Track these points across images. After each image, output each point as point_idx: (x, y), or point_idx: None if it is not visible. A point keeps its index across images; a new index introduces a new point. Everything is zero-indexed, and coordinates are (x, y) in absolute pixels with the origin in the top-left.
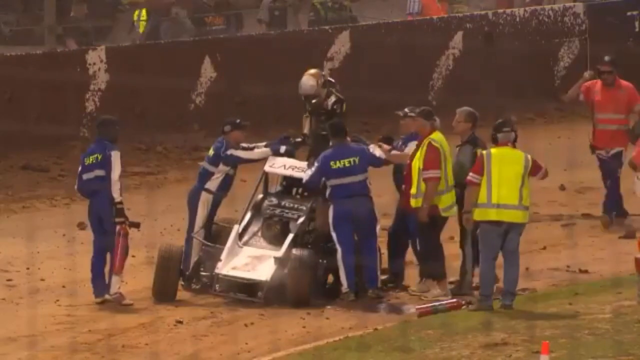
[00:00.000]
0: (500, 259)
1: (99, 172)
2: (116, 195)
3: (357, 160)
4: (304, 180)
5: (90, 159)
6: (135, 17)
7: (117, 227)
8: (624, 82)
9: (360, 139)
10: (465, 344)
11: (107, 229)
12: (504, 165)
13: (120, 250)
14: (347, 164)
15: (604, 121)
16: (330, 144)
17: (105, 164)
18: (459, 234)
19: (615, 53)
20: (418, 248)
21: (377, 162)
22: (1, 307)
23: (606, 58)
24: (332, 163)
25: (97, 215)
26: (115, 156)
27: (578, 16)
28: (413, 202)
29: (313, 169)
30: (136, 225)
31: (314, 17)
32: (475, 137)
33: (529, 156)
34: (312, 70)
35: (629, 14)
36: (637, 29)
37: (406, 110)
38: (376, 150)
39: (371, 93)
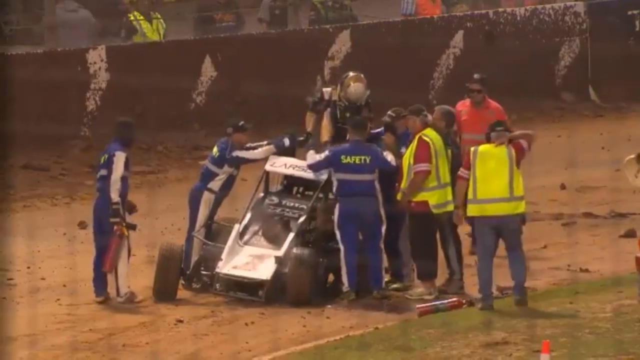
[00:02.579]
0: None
1: (103, 172)
2: (113, 195)
3: (368, 159)
4: (307, 163)
5: (102, 159)
6: (133, 18)
7: (114, 228)
8: (493, 103)
9: (378, 143)
10: (466, 343)
11: (105, 229)
12: (488, 161)
13: (113, 250)
14: (357, 161)
15: (470, 142)
16: (347, 137)
17: (109, 165)
18: (439, 234)
19: (616, 52)
20: (410, 246)
21: (388, 167)
22: (2, 306)
23: (475, 76)
24: (342, 157)
25: (97, 214)
26: (119, 157)
27: (579, 15)
28: (399, 196)
29: (322, 155)
30: (132, 227)
31: (314, 16)
32: (448, 136)
33: (511, 147)
34: (356, 75)
35: (629, 13)
36: (637, 28)
37: (390, 113)
38: (389, 156)
39: (372, 92)
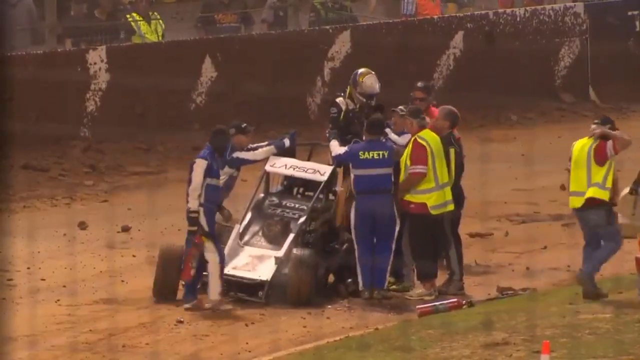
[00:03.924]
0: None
1: (188, 176)
2: (190, 204)
3: (386, 154)
4: (332, 154)
5: None
6: (131, 19)
7: (192, 236)
8: (437, 110)
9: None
10: (466, 344)
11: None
12: (575, 155)
13: (190, 259)
14: (375, 156)
15: None
16: (364, 138)
17: (191, 171)
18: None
19: (616, 53)
20: (409, 247)
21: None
22: (2, 307)
23: (419, 84)
24: (360, 153)
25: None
26: (198, 165)
27: (578, 16)
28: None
29: (342, 150)
30: (210, 236)
31: (314, 17)
32: (452, 136)
33: (595, 144)
34: (364, 69)
35: (629, 13)
36: (637, 29)
37: (401, 107)
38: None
39: None
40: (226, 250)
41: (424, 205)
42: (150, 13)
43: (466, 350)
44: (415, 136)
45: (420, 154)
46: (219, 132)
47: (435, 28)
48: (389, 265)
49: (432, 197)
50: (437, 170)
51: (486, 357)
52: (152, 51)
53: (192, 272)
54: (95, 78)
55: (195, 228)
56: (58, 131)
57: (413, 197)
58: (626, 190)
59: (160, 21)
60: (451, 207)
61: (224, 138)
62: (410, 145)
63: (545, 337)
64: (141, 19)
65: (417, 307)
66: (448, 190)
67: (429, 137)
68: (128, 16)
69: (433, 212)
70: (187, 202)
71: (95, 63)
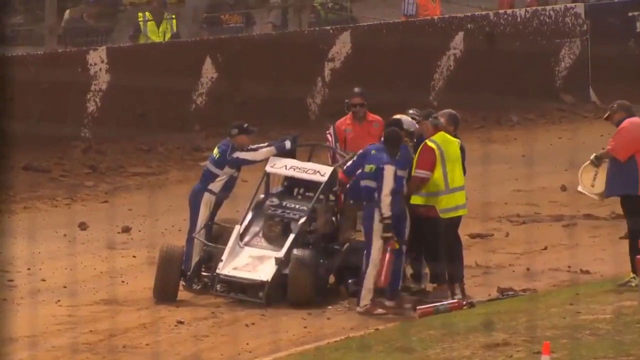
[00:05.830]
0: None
1: (370, 183)
2: (385, 210)
3: (373, 168)
4: (344, 168)
5: (367, 168)
6: (141, 18)
7: (387, 243)
8: (374, 116)
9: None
10: (467, 345)
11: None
12: None
13: (387, 265)
14: (367, 170)
15: None
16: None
17: (378, 177)
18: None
19: (616, 53)
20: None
21: (409, 166)
22: (2, 308)
23: (356, 90)
24: (373, 152)
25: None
26: (388, 171)
27: (579, 17)
28: (412, 199)
29: (351, 161)
30: (405, 243)
31: (314, 18)
32: (456, 138)
33: None
34: (399, 115)
35: (630, 14)
36: (638, 30)
37: (412, 111)
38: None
39: (372, 93)
40: (226, 251)
41: (433, 208)
42: (165, 14)
43: (466, 351)
44: (427, 140)
45: (426, 159)
46: (391, 138)
47: (436, 29)
48: (401, 265)
49: (442, 200)
50: (449, 173)
51: (487, 358)
52: (153, 52)
53: (390, 278)
54: (95, 79)
55: (390, 234)
56: (59, 132)
57: (422, 200)
58: (587, 162)
59: (174, 21)
60: (463, 211)
61: (395, 145)
62: (420, 148)
63: (545, 338)
64: (151, 18)
65: (418, 307)
66: (460, 195)
67: (442, 141)
68: (140, 14)
69: (442, 215)
70: (380, 209)
71: (95, 64)
